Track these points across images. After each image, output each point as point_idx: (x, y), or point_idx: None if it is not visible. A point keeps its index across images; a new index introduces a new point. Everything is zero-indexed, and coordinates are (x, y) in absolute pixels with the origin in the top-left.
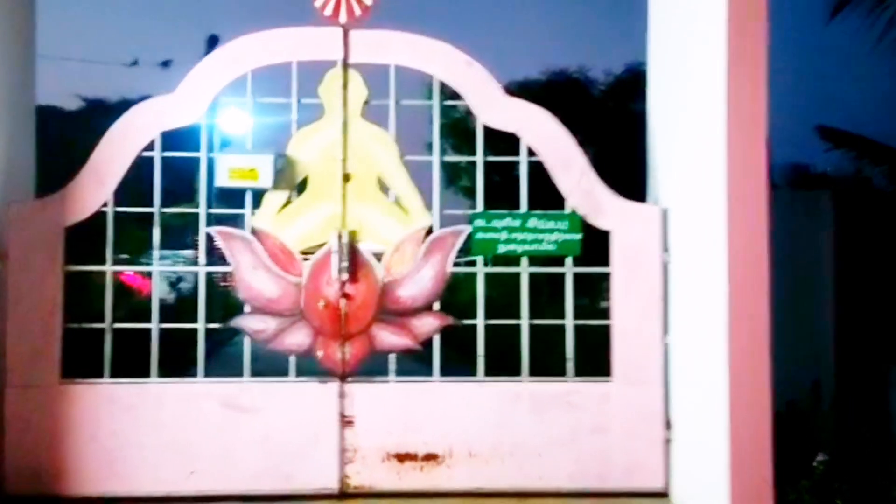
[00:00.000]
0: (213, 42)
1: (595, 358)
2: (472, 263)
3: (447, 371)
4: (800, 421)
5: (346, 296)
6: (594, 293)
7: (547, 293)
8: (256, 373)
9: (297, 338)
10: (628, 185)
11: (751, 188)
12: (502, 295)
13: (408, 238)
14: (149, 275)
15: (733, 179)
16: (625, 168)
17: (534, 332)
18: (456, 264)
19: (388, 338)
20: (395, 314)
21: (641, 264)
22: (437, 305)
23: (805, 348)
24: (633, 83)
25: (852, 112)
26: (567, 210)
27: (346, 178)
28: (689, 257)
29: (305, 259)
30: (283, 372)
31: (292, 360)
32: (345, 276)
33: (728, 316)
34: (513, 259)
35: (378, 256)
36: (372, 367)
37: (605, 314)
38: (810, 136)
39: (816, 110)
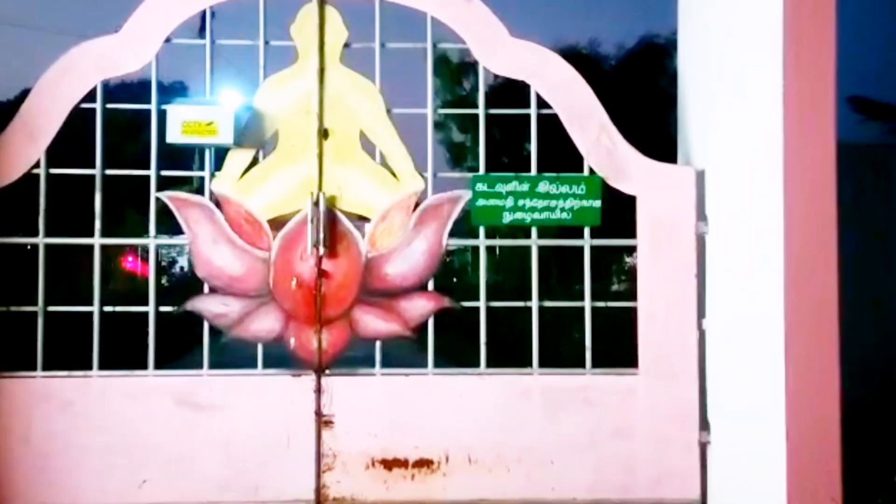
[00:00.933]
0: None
1: (617, 347)
2: (488, 248)
3: (444, 362)
4: (871, 422)
5: (322, 273)
6: (616, 272)
7: (556, 276)
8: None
9: (266, 323)
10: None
11: (813, 143)
12: (511, 278)
13: (396, 205)
14: (141, 254)
15: (791, 132)
16: (643, 130)
17: (546, 317)
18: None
19: (374, 323)
20: (382, 295)
21: (673, 236)
22: (431, 285)
23: (874, 335)
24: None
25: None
26: (585, 172)
27: (324, 134)
28: (732, 227)
29: (275, 230)
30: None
31: (260, 349)
32: (321, 250)
33: (786, 297)
34: (521, 231)
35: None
36: (354, 357)
37: (626, 296)
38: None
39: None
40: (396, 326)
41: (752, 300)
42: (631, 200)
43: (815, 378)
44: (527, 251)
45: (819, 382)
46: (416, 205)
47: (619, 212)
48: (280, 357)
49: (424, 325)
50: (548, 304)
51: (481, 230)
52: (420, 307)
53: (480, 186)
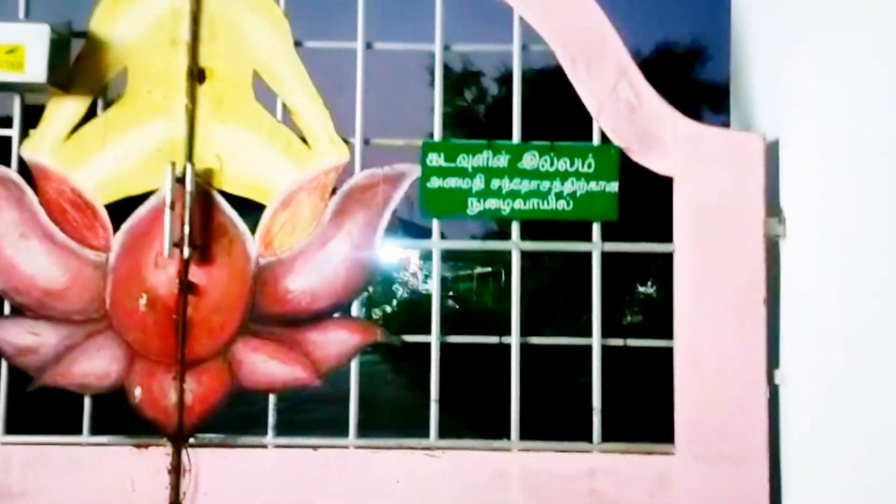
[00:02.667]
0: None
1: (643, 410)
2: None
3: (376, 429)
4: None
5: (189, 288)
6: (641, 294)
7: (562, 303)
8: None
9: (97, 363)
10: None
11: None
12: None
13: (306, 185)
14: None
15: None
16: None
17: (534, 362)
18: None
19: (266, 365)
20: (280, 323)
21: (729, 239)
22: (356, 308)
23: None
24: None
25: None
26: (595, 140)
27: (198, 76)
28: (828, 228)
29: (116, 220)
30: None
31: (87, 404)
32: (187, 252)
33: None
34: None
35: (251, 218)
36: (235, 419)
37: (656, 331)
38: None
39: None
40: (300, 371)
41: (870, 340)
42: (665, 184)
43: None
44: (533, 266)
45: None
46: (337, 186)
47: (646, 201)
48: (118, 417)
49: (346, 369)
50: (535, 340)
51: (435, 226)
52: (338, 342)
53: (434, 159)
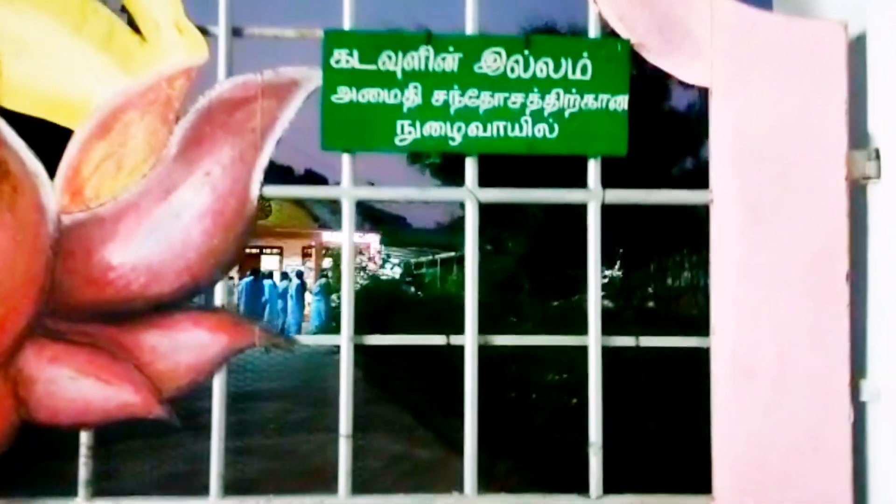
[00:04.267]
0: None
1: (665, 442)
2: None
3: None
4: None
5: None
6: (659, 268)
7: (527, 289)
8: None
9: None
10: None
11: None
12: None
13: (138, 99)
14: None
15: None
16: None
17: (498, 371)
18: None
19: (73, 386)
20: (97, 317)
21: (795, 185)
22: (219, 294)
23: None
24: None
25: None
26: (591, 32)
27: None
28: None
29: None
30: None
31: None
32: None
33: None
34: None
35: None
36: (28, 469)
37: (684, 324)
38: None
39: None
40: (130, 393)
41: None
42: (697, 100)
43: None
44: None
45: None
46: (184, 100)
47: (668, 127)
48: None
49: (203, 391)
50: (501, 339)
51: (346, 163)
52: (192, 347)
53: (343, 57)
